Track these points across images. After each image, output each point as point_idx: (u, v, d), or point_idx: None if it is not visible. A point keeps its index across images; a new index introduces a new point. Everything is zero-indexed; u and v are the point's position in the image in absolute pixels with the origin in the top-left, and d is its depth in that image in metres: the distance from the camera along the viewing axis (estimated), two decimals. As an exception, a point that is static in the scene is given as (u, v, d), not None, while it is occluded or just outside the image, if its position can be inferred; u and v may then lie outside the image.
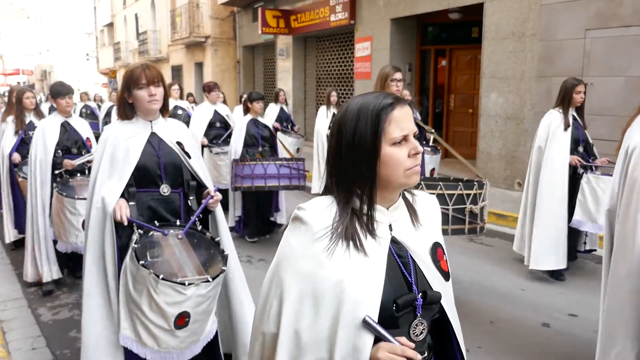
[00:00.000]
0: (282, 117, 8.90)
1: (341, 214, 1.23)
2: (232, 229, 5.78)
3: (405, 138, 1.23)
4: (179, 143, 2.78)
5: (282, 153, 6.13)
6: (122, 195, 2.58)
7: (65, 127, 4.51)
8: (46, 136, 4.40)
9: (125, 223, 2.48)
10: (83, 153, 4.55)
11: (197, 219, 2.64)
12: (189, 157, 2.79)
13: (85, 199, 3.81)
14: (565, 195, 4.59)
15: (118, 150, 2.64)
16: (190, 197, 2.80)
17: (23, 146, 5.29)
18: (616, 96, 6.49)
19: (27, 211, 4.47)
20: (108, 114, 11.52)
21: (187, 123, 7.46)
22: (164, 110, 2.79)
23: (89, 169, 4.41)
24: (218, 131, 6.93)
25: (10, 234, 5.56)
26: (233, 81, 18.69)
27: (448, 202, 3.54)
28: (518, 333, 3.74)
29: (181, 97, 8.12)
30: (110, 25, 32.87)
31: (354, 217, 1.24)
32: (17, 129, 5.39)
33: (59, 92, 4.43)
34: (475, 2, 8.48)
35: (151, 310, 2.32)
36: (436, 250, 1.34)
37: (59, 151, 4.44)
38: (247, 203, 5.95)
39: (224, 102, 8.47)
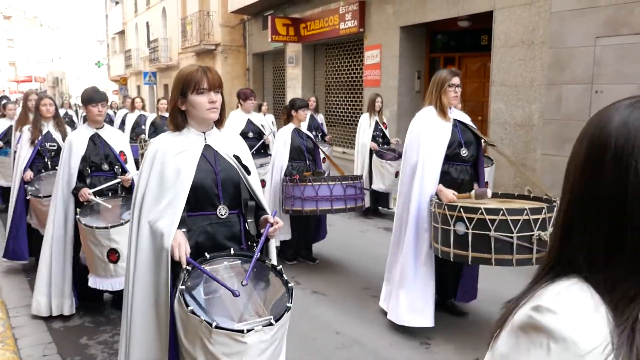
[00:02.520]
0: (312, 126, 8.47)
1: (621, 322, 0.69)
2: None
3: None
4: (236, 157, 2.42)
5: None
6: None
7: (94, 141, 4.02)
8: (72, 153, 3.93)
9: (184, 265, 2.16)
10: (116, 169, 4.09)
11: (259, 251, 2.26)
12: (248, 172, 2.44)
13: (105, 227, 3.55)
14: None
15: (168, 168, 2.28)
16: (249, 220, 2.43)
17: (39, 159, 4.93)
18: (627, 104, 6.46)
19: (46, 235, 4.08)
20: (123, 122, 10.38)
21: None
22: (219, 122, 2.44)
23: (124, 188, 4.08)
24: (250, 142, 6.38)
25: None
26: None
27: (512, 230, 3.15)
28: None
29: None
30: (122, 33, 33.21)
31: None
32: (33, 139, 4.86)
33: (91, 98, 3.95)
34: (484, 10, 8.49)
35: None
36: None
37: (88, 169, 3.97)
38: (294, 225, 5.44)
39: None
